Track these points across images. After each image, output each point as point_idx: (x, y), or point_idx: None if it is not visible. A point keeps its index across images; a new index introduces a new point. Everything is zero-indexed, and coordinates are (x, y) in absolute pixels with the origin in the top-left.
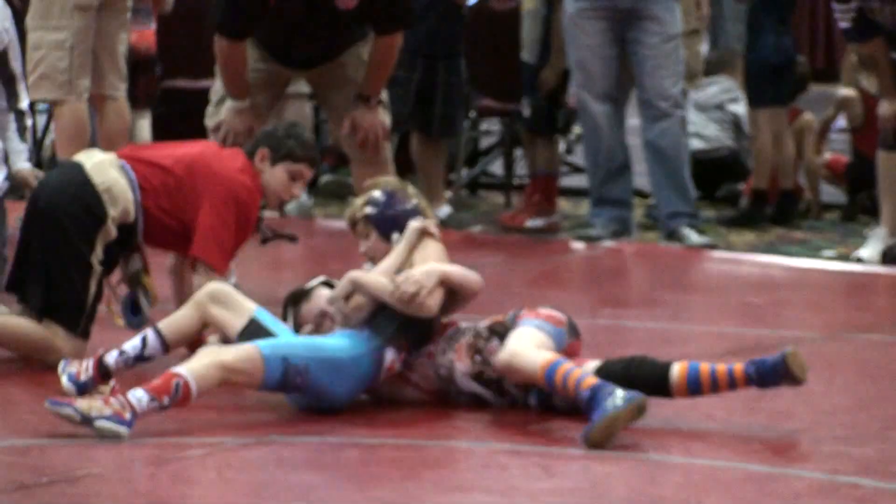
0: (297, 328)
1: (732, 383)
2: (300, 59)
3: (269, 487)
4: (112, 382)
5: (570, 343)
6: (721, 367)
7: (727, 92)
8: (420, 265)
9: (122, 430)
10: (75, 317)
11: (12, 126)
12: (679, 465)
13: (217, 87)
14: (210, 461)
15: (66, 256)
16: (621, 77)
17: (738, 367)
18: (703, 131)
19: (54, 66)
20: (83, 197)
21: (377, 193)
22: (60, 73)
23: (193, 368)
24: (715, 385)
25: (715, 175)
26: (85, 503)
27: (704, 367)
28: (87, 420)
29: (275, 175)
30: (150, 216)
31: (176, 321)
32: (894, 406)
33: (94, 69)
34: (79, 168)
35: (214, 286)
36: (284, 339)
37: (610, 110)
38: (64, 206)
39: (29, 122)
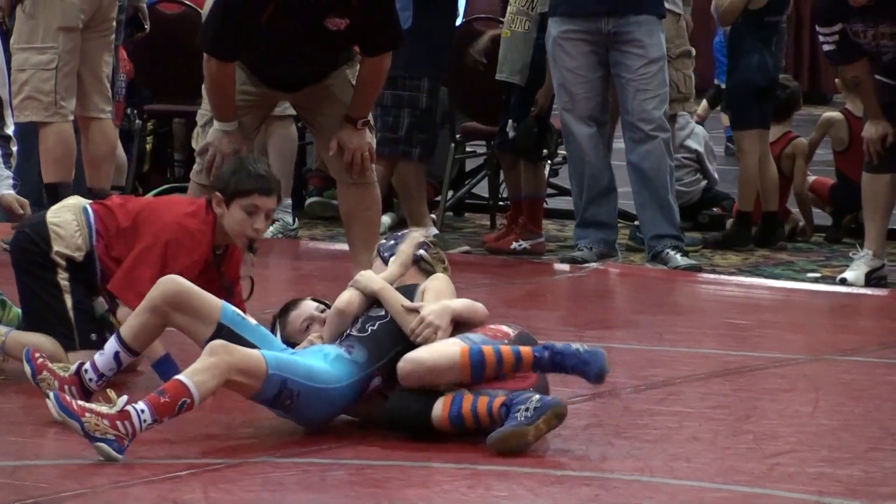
0: (285, 337)
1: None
2: (287, 80)
3: None
4: (123, 399)
5: None
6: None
7: (682, 129)
8: (431, 298)
9: (119, 456)
10: (64, 334)
11: None
12: (664, 486)
13: (203, 109)
14: (196, 482)
15: (31, 283)
16: (607, 99)
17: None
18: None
19: (39, 87)
20: (34, 232)
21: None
22: (45, 94)
23: (201, 382)
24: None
25: (693, 209)
26: None
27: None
28: (88, 437)
29: (232, 216)
30: (101, 261)
31: (140, 330)
32: (879, 427)
33: (79, 91)
34: (43, 213)
35: (168, 288)
36: (287, 356)
37: (594, 133)
38: (19, 241)
39: (14, 147)
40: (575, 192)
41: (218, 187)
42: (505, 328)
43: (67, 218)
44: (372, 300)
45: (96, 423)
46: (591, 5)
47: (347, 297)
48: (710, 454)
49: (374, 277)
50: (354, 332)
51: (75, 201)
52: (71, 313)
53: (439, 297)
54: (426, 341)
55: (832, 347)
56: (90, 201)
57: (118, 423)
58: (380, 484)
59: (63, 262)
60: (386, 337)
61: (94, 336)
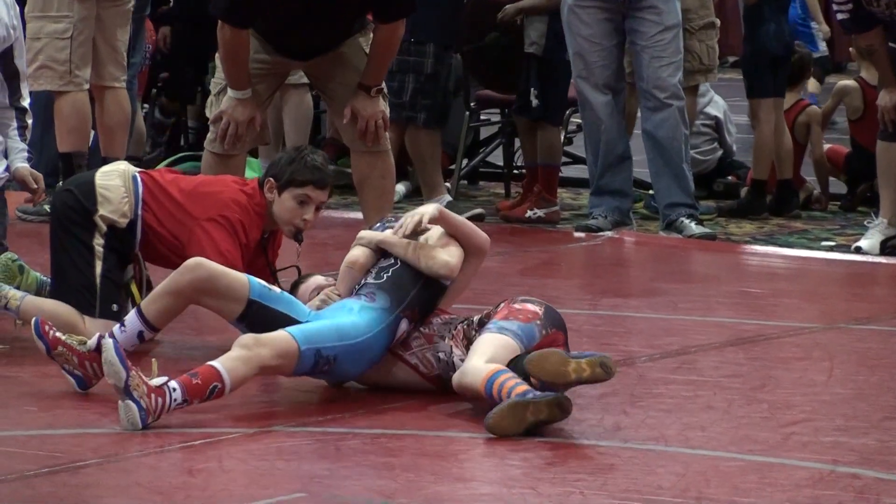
0: None
1: None
2: (301, 48)
3: (269, 477)
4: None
5: (548, 335)
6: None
7: (702, 96)
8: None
9: (139, 425)
10: (86, 298)
11: (13, 123)
12: (679, 455)
13: (217, 77)
14: (211, 451)
15: (66, 242)
16: (623, 67)
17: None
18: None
19: (54, 56)
20: (81, 192)
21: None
22: (60, 63)
23: (233, 368)
24: None
25: (708, 178)
26: (86, 493)
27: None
28: (125, 392)
29: (282, 203)
30: (149, 228)
31: (164, 311)
32: (894, 396)
33: (95, 60)
34: (92, 173)
35: (196, 276)
36: (314, 325)
37: (609, 100)
38: (63, 198)
39: (29, 120)
40: (590, 161)
41: (273, 174)
42: (531, 307)
43: (116, 183)
44: (378, 254)
45: (138, 383)
46: None
47: (356, 252)
48: (725, 423)
49: (376, 232)
50: (371, 280)
51: (125, 167)
52: (98, 280)
53: (440, 240)
54: (410, 229)
55: (847, 316)
56: (139, 170)
57: (153, 395)
58: (394, 453)
59: (104, 227)
60: (403, 279)
61: (115, 307)
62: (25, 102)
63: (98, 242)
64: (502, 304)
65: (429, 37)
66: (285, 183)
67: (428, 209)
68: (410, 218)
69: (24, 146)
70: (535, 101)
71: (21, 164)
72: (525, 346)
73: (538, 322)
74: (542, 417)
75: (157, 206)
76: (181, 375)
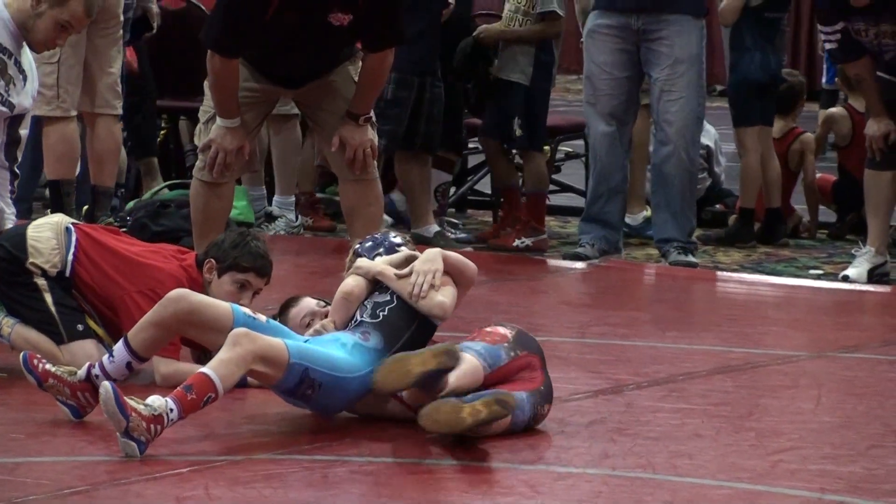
0: None
1: None
2: (290, 76)
3: None
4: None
5: (517, 357)
6: None
7: None
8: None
9: (139, 455)
10: (50, 330)
11: (7, 186)
12: (667, 483)
13: (206, 105)
14: (198, 478)
15: (10, 291)
16: (634, 100)
17: None
18: None
19: (42, 81)
20: (12, 244)
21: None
22: (48, 88)
23: (226, 375)
24: None
25: (697, 206)
26: None
27: None
28: (125, 434)
29: (221, 286)
30: (80, 281)
31: (150, 342)
32: (882, 424)
33: (89, 86)
34: (24, 227)
35: (179, 308)
36: (308, 346)
37: (611, 132)
38: None
39: (20, 153)
40: (589, 186)
41: (215, 255)
42: (502, 330)
43: (47, 235)
44: (374, 285)
45: (137, 423)
46: (623, 1)
47: (351, 282)
48: (713, 451)
49: (373, 262)
50: (367, 319)
51: (58, 219)
52: (53, 309)
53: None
54: (428, 292)
55: (834, 344)
56: (73, 221)
57: (151, 426)
58: (382, 481)
59: (38, 271)
60: (398, 320)
61: (80, 326)
62: (23, 131)
63: (39, 281)
64: (475, 331)
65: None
66: (227, 266)
67: (436, 263)
68: (423, 277)
69: (13, 210)
70: (518, 131)
71: (10, 226)
72: (489, 364)
73: (505, 345)
74: (481, 418)
75: (90, 263)
76: (175, 390)
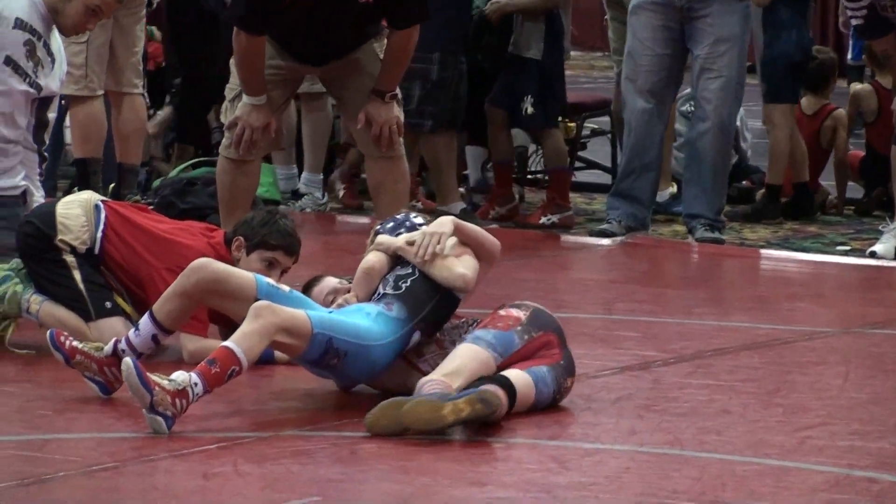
0: None
1: None
2: (316, 54)
3: (284, 481)
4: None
5: (532, 339)
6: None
7: None
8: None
9: (167, 431)
10: (79, 307)
11: (36, 169)
12: (694, 459)
13: (232, 83)
14: (226, 455)
15: (39, 268)
16: (675, 77)
17: None
18: None
19: (70, 60)
20: (41, 221)
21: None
22: (77, 67)
23: (249, 347)
24: None
25: None
26: (102, 497)
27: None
28: (150, 409)
29: (249, 263)
30: (109, 258)
31: (176, 313)
32: None
33: (112, 66)
34: (53, 203)
35: (202, 277)
36: (331, 315)
37: (649, 108)
38: (24, 230)
39: (47, 136)
40: (622, 162)
41: (243, 233)
42: (515, 313)
43: (76, 212)
44: (394, 259)
45: (162, 398)
46: None
47: (372, 257)
48: (740, 427)
49: (394, 238)
50: (389, 291)
51: (87, 196)
52: (81, 286)
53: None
54: (434, 255)
55: (862, 320)
56: (102, 199)
57: (177, 400)
58: (410, 457)
59: (67, 248)
60: (421, 291)
61: (108, 304)
62: (51, 114)
63: (68, 258)
64: (490, 313)
65: (435, 45)
66: (255, 244)
67: (444, 226)
68: (428, 238)
69: (41, 193)
70: (529, 109)
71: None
72: (500, 354)
73: (518, 328)
74: (462, 415)
75: (119, 240)
76: (199, 364)
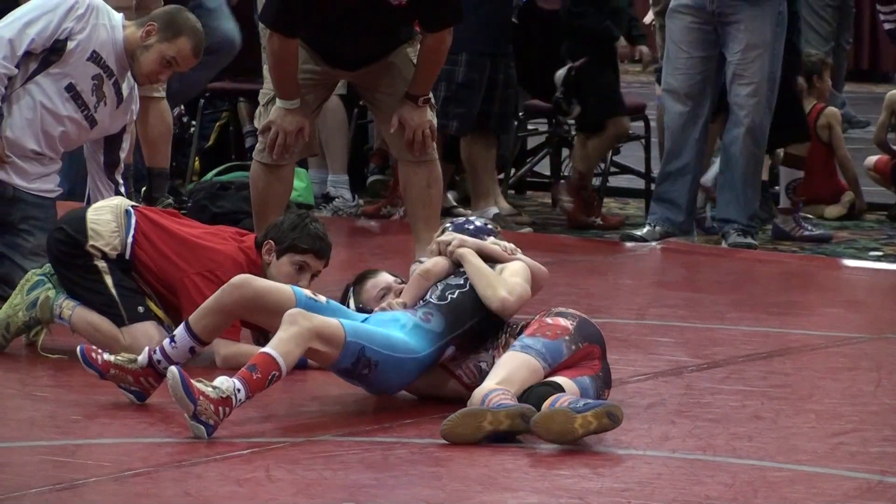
0: (359, 305)
1: None
2: (348, 58)
3: (316, 486)
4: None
5: (579, 350)
6: None
7: None
8: (507, 275)
9: (206, 436)
10: (112, 312)
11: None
12: (726, 465)
13: (266, 88)
14: (258, 460)
15: (71, 274)
16: (711, 80)
17: None
18: None
19: None
20: (72, 227)
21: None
22: None
23: (287, 352)
24: None
25: None
26: (133, 502)
27: None
28: (193, 418)
29: (280, 267)
30: (140, 263)
31: (213, 327)
32: None
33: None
34: (84, 210)
35: (241, 294)
36: (364, 325)
37: (685, 111)
38: (55, 237)
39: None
40: (661, 166)
41: (273, 237)
42: (563, 322)
43: (107, 218)
44: (455, 266)
45: (205, 407)
46: None
47: (435, 261)
48: (773, 433)
49: (475, 240)
50: (433, 300)
51: (118, 202)
52: (113, 290)
53: (514, 275)
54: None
55: (894, 326)
56: (133, 204)
57: (220, 408)
58: (442, 463)
59: (98, 254)
60: (465, 307)
61: (141, 308)
62: (122, 189)
63: (99, 263)
64: (537, 316)
65: (461, 46)
66: (286, 248)
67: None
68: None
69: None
70: (575, 109)
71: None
72: (549, 364)
73: (566, 338)
74: (590, 428)
75: (150, 245)
76: (240, 370)
